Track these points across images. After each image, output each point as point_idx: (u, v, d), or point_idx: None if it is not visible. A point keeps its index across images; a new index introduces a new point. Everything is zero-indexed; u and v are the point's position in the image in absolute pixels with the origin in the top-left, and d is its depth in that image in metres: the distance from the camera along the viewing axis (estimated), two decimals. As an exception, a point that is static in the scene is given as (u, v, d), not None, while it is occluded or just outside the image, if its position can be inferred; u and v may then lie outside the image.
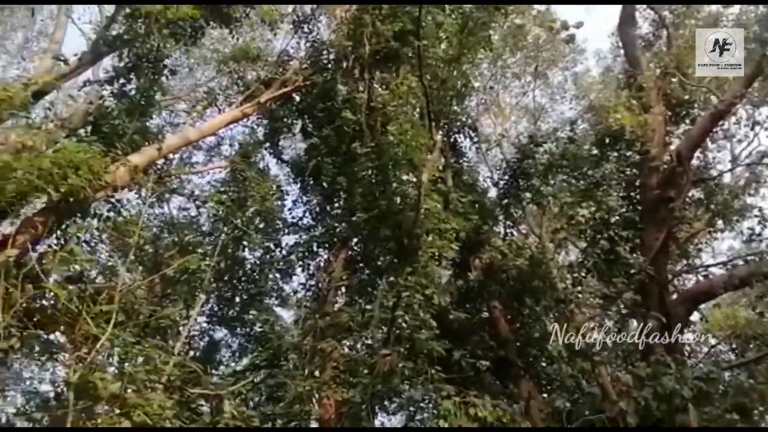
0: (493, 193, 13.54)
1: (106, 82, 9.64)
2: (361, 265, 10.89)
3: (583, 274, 11.72)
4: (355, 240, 10.79)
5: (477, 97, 15.75)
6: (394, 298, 8.75)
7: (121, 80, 9.60)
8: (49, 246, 7.61)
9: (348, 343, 10.15)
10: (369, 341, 9.77)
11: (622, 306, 10.94)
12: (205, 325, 11.09)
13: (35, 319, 7.42)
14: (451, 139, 13.06)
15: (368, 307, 9.96)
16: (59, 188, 6.93)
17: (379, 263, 10.38)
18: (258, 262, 10.99)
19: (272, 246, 11.08)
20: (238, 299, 11.24)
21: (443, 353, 8.72)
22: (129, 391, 6.80)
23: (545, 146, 13.03)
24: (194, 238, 10.69)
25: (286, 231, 11.27)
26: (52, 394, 10.89)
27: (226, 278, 10.44)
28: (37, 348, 8.43)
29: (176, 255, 10.54)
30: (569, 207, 12.20)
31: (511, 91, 18.41)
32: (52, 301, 7.19)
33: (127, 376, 6.52)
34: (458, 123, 13.25)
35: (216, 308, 11.11)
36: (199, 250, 10.19)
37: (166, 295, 9.85)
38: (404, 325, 9.19)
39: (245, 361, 11.78)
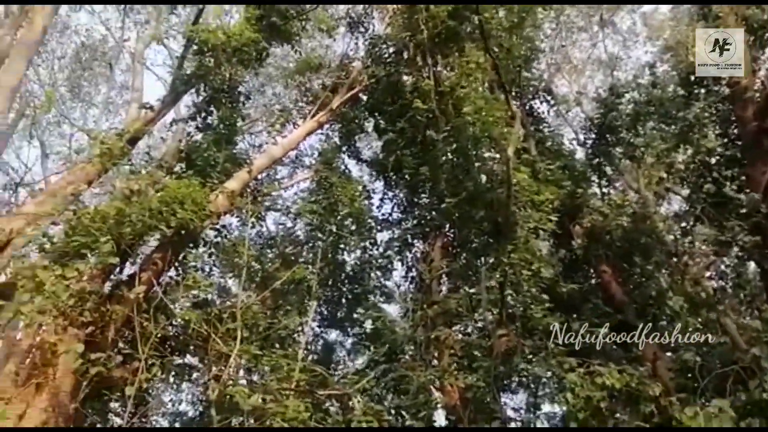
0: (581, 154, 13.03)
1: (190, 118, 10.25)
2: (458, 250, 10.84)
3: (691, 223, 11.05)
4: (448, 226, 10.75)
5: (546, 59, 15.21)
6: (500, 277, 8.65)
7: (203, 114, 10.16)
8: (170, 278, 8.24)
9: (460, 329, 10.14)
10: (480, 324, 9.72)
11: (738, 250, 10.15)
12: (317, 329, 11.53)
13: (168, 346, 8.09)
14: (527, 107, 12.68)
15: (473, 290, 9.92)
16: (170, 224, 7.47)
17: (476, 245, 10.29)
18: (358, 262, 11.28)
19: (368, 245, 11.31)
20: (344, 300, 11.59)
21: (559, 326, 8.51)
22: (265, 400, 7.23)
23: (627, 96, 12.43)
24: (294, 249, 11.15)
25: (379, 228, 11.47)
26: (193, 413, 11.81)
27: (330, 282, 10.79)
28: (173, 372, 9.19)
29: (280, 268, 11.03)
30: (665, 154, 11.56)
31: (579, 45, 17.62)
32: (182, 328, 7.79)
33: (261, 387, 6.94)
34: (531, 89, 12.87)
35: (325, 312, 11.52)
36: (301, 260, 10.59)
37: (278, 306, 10.32)
38: (515, 303, 9.09)
39: (361, 359, 12.17)
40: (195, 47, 10.39)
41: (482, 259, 10.09)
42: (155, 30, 13.54)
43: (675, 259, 11.01)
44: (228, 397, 7.38)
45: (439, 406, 9.55)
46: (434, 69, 11.26)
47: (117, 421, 9.68)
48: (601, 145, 12.29)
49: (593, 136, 12.53)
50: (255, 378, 9.45)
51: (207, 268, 8.99)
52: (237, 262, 8.72)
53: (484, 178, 10.54)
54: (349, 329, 11.78)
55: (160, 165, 9.06)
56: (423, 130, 11.00)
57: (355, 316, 11.82)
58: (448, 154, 10.62)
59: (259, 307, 8.58)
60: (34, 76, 13.80)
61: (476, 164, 10.56)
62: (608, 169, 12.59)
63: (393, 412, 9.19)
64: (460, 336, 9.99)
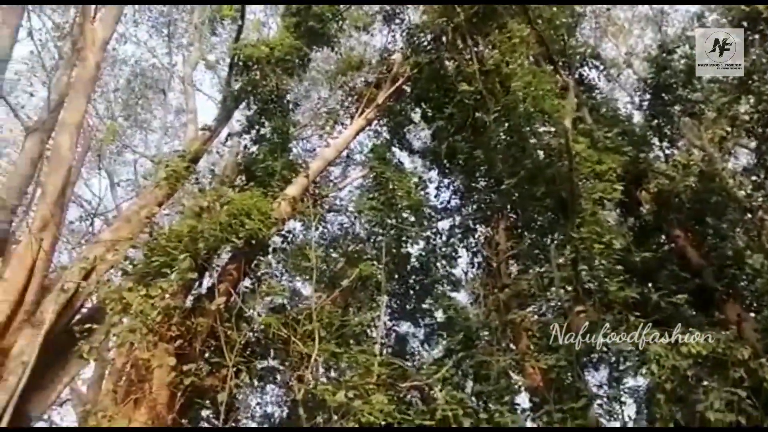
0: (638, 117, 12.54)
1: (244, 132, 10.54)
2: (523, 230, 10.66)
3: (762, 176, 10.43)
4: (510, 207, 10.59)
5: (590, 24, 14.70)
6: (571, 253, 8.47)
7: (256, 126, 10.43)
8: (246, 287, 8.54)
9: (534, 310, 10.00)
10: (555, 303, 9.55)
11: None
12: (389, 323, 11.62)
13: (250, 352, 8.38)
14: (577, 75, 12.30)
15: (543, 270, 9.75)
16: (240, 235, 7.74)
17: (542, 223, 10.10)
18: (422, 253, 11.29)
19: (431, 235, 11.31)
20: (411, 292, 11.62)
21: (637, 297, 8.24)
22: (349, 395, 7.36)
23: (679, 51, 11.87)
24: (356, 246, 11.28)
25: (439, 217, 11.45)
26: (279, 414, 12.17)
27: (396, 276, 10.84)
28: (257, 376, 9.51)
29: (345, 266, 11.19)
30: (726, 108, 10.97)
31: (623, 5, 16.86)
32: (262, 333, 8.05)
33: (344, 384, 7.08)
34: (578, 57, 12.46)
35: (394, 305, 11.59)
36: (365, 257, 10.71)
37: (348, 304, 10.48)
38: (589, 278, 8.87)
39: (436, 349, 12.19)
40: (240, 64, 10.66)
41: (549, 236, 9.90)
42: (199, 51, 14.00)
43: (750, 216, 10.50)
44: (312, 395, 7.60)
45: (521, 389, 9.46)
46: (476, 50, 11.11)
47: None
48: (657, 106, 11.82)
49: (648, 97, 12.07)
50: (335, 376, 9.63)
51: (278, 274, 9.23)
52: (305, 265, 8.91)
53: (541, 154, 10.32)
54: (420, 320, 11.81)
55: (222, 180, 9.38)
56: (472, 113, 10.87)
57: (424, 306, 11.85)
58: (501, 134, 10.46)
59: (331, 306, 8.76)
60: (94, 111, 14.52)
61: (531, 141, 10.35)
62: (668, 130, 12.07)
63: (475, 399, 9.19)
64: (536, 317, 9.85)
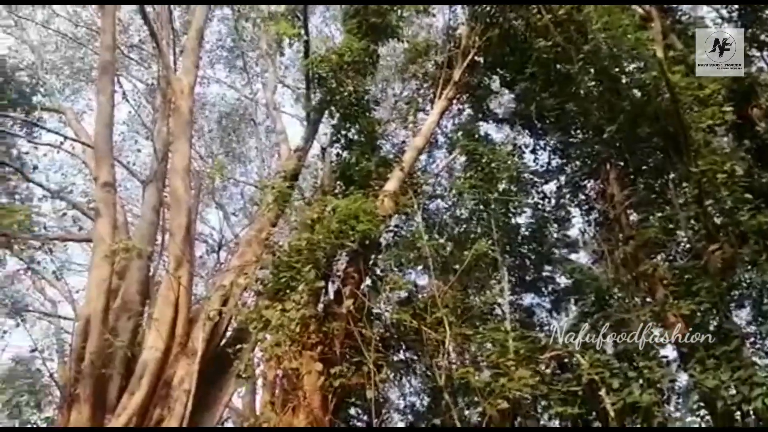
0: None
1: (333, 140, 10.84)
2: (635, 176, 10.08)
3: None
4: (616, 154, 10.05)
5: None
6: (693, 189, 7.91)
7: (343, 132, 10.69)
8: (367, 286, 8.81)
9: (664, 257, 9.44)
10: (686, 245, 8.96)
11: None
12: (512, 297, 11.47)
13: (385, 347, 8.64)
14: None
15: (666, 213, 9.18)
16: (352, 239, 8.00)
17: (654, 164, 9.50)
18: (532, 221, 11.03)
19: (538, 200, 11.02)
20: (527, 263, 11.40)
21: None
22: (488, 374, 7.37)
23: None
24: (463, 228, 11.24)
25: (543, 181, 11.11)
26: (419, 404, 12.43)
27: (508, 249, 10.66)
28: (394, 370, 9.78)
29: (454, 250, 11.19)
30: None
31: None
32: (393, 327, 8.28)
33: (485, 362, 7.11)
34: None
35: (514, 279, 11.42)
36: (472, 236, 10.65)
37: (466, 287, 10.48)
38: (716, 212, 8.26)
39: (564, 316, 11.88)
40: (315, 77, 10.98)
41: (665, 177, 9.30)
42: (274, 75, 14.62)
43: None
44: (451, 380, 7.69)
45: (666, 341, 8.98)
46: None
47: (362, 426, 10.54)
48: (749, 13, 10.62)
49: (736, 7, 10.86)
50: (469, 358, 9.68)
51: (395, 269, 9.43)
52: (418, 254, 9.03)
53: (637, 93, 9.71)
54: (543, 289, 11.57)
55: (324, 191, 9.74)
56: (554, 68, 10.45)
57: (544, 275, 11.59)
58: (590, 81, 9.97)
59: (451, 291, 8.81)
60: (196, 154, 15.62)
61: (623, 81, 9.77)
62: (766, 37, 10.83)
63: (619, 358, 8.86)
64: (668, 264, 9.28)
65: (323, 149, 11.40)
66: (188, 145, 10.35)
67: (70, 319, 14.35)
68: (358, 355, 7.43)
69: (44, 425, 12.51)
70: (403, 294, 8.84)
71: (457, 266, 9.50)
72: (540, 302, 11.88)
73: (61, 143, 14.22)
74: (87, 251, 14.69)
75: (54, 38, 16.76)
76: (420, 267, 10.24)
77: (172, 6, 13.40)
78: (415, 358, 10.49)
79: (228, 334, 9.06)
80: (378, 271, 9.19)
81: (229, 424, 15.50)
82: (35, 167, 14.50)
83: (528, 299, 11.98)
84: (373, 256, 9.13)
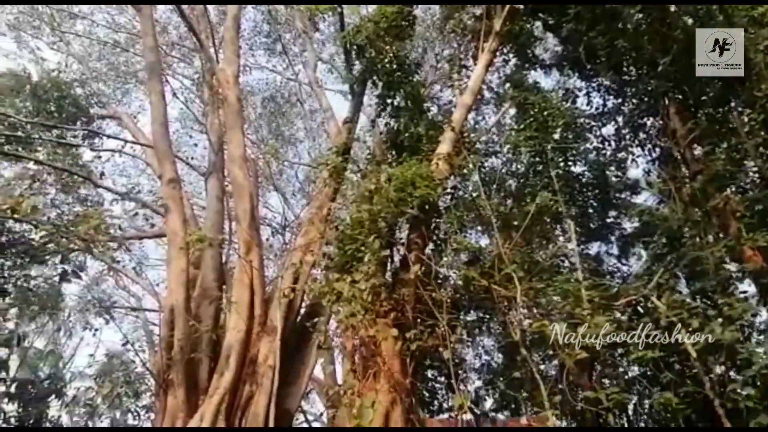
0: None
1: (380, 109, 10.82)
2: (696, 108, 9.57)
3: None
4: (674, 87, 9.55)
5: None
6: (758, 114, 7.47)
7: (388, 100, 10.64)
8: (431, 250, 8.89)
9: (735, 189, 9.00)
10: (756, 175, 8.49)
11: None
12: (579, 248, 11.25)
13: (457, 308, 8.75)
14: None
15: (731, 143, 8.70)
16: (412, 205, 8.05)
17: (714, 93, 8.98)
18: (594, 166, 10.70)
19: (598, 145, 10.66)
20: (591, 211, 11.11)
21: None
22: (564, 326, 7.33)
23: None
24: (520, 183, 11.08)
25: (600, 124, 10.70)
26: (495, 362, 12.56)
27: (570, 198, 10.41)
28: (467, 330, 9.89)
29: (514, 205, 11.08)
30: None
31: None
32: (463, 287, 8.35)
33: (561, 313, 7.08)
34: None
35: (577, 229, 11.19)
36: (527, 190, 10.51)
37: (530, 241, 10.37)
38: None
39: (634, 262, 11.59)
40: (353, 48, 10.94)
41: (728, 105, 8.78)
42: (313, 53, 14.64)
43: None
44: (523, 335, 7.69)
45: (744, 275, 8.62)
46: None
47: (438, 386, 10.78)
48: None
49: None
50: (541, 311, 9.62)
51: (457, 230, 9.43)
52: (478, 214, 9.00)
53: (688, 20, 9.14)
54: (609, 236, 11.28)
55: (378, 162, 9.80)
56: (600, 6, 9.93)
57: (609, 221, 11.28)
58: (638, 14, 9.44)
59: (516, 246, 8.75)
60: (248, 141, 15.99)
61: (672, 9, 9.20)
62: None
63: (697, 298, 8.60)
64: (740, 196, 8.84)
65: (371, 120, 11.41)
66: (241, 133, 10.58)
67: (155, 311, 15.22)
68: (430, 318, 7.56)
69: (142, 412, 13.46)
70: (468, 257, 8.85)
71: (518, 222, 9.42)
72: (607, 250, 11.62)
73: (122, 147, 14.92)
74: (161, 246, 15.50)
75: (97, 47, 17.39)
76: (481, 227, 10.23)
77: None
78: (487, 317, 10.57)
79: (303, 309, 9.39)
80: (440, 235, 9.24)
81: (313, 396, 16.19)
82: (102, 174, 15.31)
83: (594, 248, 11.74)
84: (434, 221, 9.17)
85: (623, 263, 11.58)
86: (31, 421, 12.84)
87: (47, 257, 12.67)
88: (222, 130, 11.79)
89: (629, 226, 11.13)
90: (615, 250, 11.59)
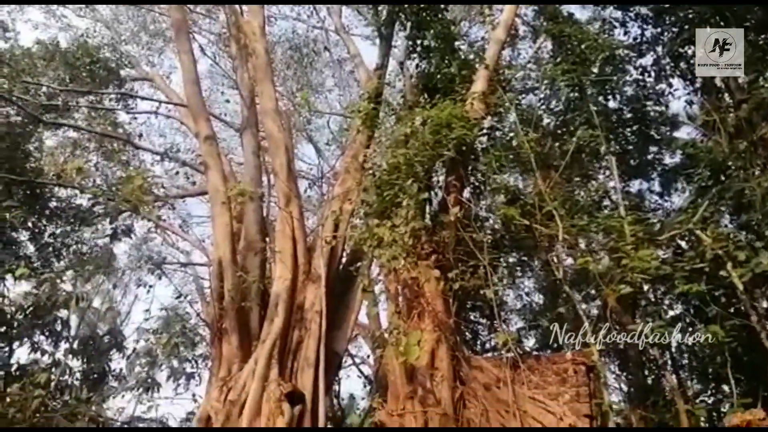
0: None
1: (410, 52, 10.57)
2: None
3: None
4: (714, 13, 9.00)
5: None
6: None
7: (417, 41, 10.38)
8: (470, 192, 8.87)
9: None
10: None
11: None
12: (620, 185, 11.03)
13: (498, 249, 8.77)
14: None
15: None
16: (448, 147, 7.98)
17: (757, 18, 8.43)
18: (632, 99, 10.31)
19: (638, 77, 10.23)
20: (631, 147, 10.79)
21: None
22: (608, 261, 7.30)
23: None
24: (558, 120, 10.79)
25: (638, 55, 10.22)
26: (537, 301, 12.66)
27: (611, 134, 10.11)
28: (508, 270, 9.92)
29: (552, 144, 10.83)
30: None
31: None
32: (504, 228, 8.35)
33: (605, 249, 7.04)
34: None
35: (618, 166, 10.92)
36: (570, 127, 10.24)
37: (569, 179, 10.20)
38: None
39: (676, 198, 11.29)
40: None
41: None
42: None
43: None
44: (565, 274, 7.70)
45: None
46: None
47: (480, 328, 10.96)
48: None
49: None
50: (583, 250, 9.56)
51: (495, 172, 9.33)
52: (516, 153, 8.86)
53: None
54: (650, 172, 10.99)
55: (411, 105, 9.67)
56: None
57: (650, 157, 10.96)
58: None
59: (556, 184, 8.63)
60: (278, 94, 15.89)
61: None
62: None
63: (743, 230, 8.41)
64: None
65: (401, 63, 11.19)
66: (272, 85, 10.57)
67: (204, 265, 15.75)
68: (471, 259, 7.63)
69: (199, 360, 14.12)
70: (507, 198, 8.78)
71: (558, 161, 9.25)
72: (649, 187, 11.35)
73: (157, 108, 15.10)
74: (203, 203, 15.86)
75: (122, 9, 17.34)
76: (519, 167, 10.08)
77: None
78: (527, 258, 10.58)
79: (345, 256, 9.59)
80: (479, 176, 9.18)
81: (359, 340, 16.68)
82: (140, 135, 15.61)
83: (635, 185, 11.49)
84: (471, 162, 9.09)
85: (665, 200, 11.32)
86: (95, 375, 13.66)
87: (96, 220, 13.14)
88: (252, 84, 11.77)
89: (670, 161, 10.82)
90: (657, 187, 11.32)
